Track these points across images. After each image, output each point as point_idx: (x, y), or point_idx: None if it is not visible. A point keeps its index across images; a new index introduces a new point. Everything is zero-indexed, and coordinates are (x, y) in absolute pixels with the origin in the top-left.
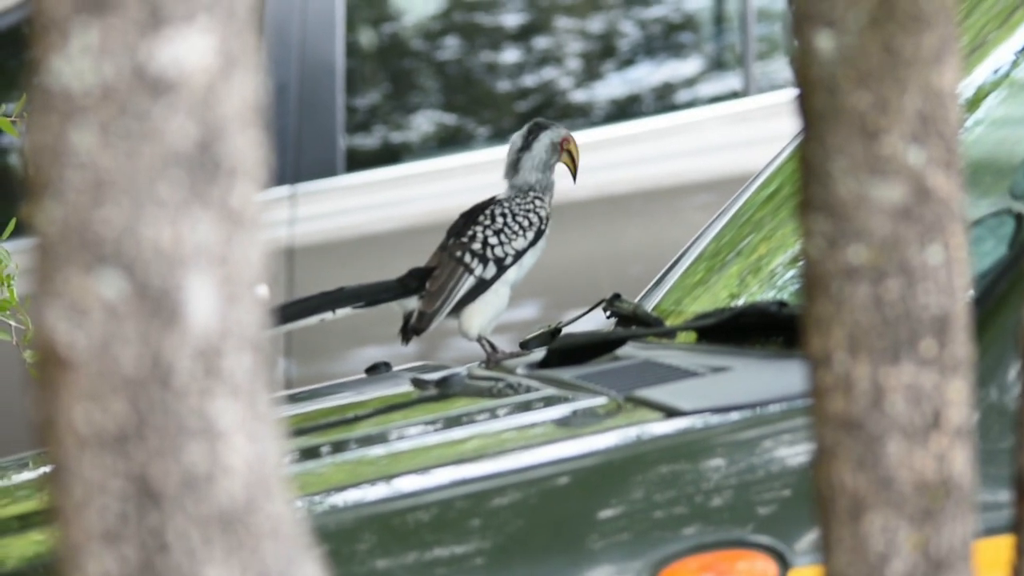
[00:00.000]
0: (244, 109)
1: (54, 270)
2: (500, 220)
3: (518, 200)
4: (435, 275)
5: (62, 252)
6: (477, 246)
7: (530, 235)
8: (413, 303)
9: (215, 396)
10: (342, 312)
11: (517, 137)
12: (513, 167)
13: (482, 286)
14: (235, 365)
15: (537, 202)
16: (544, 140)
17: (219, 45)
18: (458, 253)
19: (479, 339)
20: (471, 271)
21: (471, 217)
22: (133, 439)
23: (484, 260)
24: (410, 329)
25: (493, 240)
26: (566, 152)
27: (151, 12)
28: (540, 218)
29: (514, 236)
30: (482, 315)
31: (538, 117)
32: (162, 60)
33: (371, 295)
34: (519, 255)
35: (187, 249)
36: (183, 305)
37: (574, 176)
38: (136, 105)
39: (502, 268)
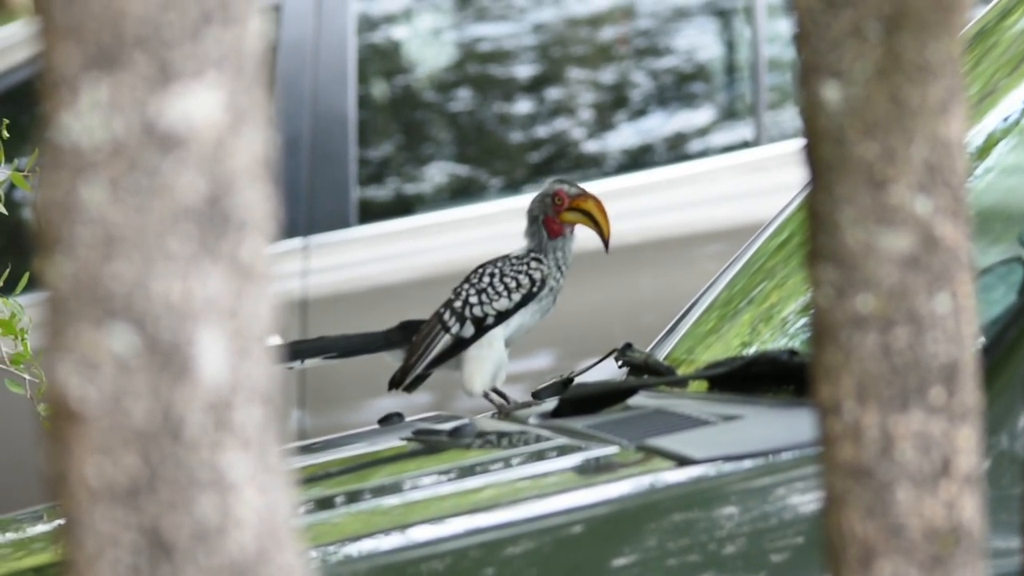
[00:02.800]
0: (253, 163)
1: (65, 325)
2: (486, 280)
3: (513, 261)
4: (420, 328)
5: (73, 307)
6: (458, 304)
7: (516, 297)
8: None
9: (226, 449)
10: (311, 362)
11: None
12: None
13: (460, 345)
14: (245, 418)
15: (532, 264)
16: (536, 194)
17: (228, 100)
18: (440, 309)
19: (485, 395)
20: (447, 329)
21: (471, 274)
22: (145, 492)
23: (462, 319)
24: (390, 381)
25: (473, 300)
26: (575, 211)
27: (160, 68)
28: (532, 280)
29: (496, 297)
30: (481, 373)
31: (558, 175)
32: (171, 116)
33: (347, 348)
34: (502, 316)
35: (197, 303)
36: (193, 359)
37: (602, 240)
38: (146, 160)
39: (481, 328)
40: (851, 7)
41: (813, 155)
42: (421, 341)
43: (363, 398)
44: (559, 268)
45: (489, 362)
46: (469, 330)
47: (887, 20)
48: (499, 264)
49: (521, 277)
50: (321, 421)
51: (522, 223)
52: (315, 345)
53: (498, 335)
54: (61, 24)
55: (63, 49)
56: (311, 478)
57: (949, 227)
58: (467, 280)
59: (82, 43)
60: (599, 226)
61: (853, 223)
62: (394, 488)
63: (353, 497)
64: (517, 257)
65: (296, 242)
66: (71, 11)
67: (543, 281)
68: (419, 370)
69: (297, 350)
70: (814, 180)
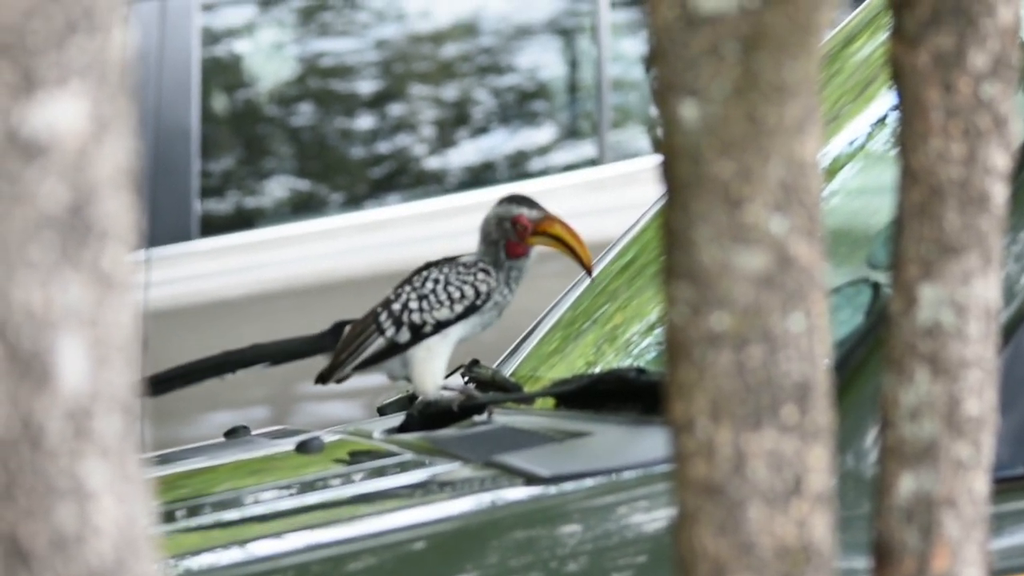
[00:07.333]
0: (116, 173)
1: None
2: (430, 286)
3: (460, 269)
4: (352, 325)
5: None
6: (396, 307)
7: (458, 308)
8: None
9: (85, 457)
10: (243, 372)
11: None
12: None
13: (394, 349)
14: (105, 426)
15: (479, 275)
16: (489, 213)
17: (91, 109)
18: (378, 309)
19: (441, 395)
20: (383, 332)
21: (412, 274)
22: (2, 499)
23: (399, 324)
24: (317, 376)
25: (414, 305)
26: (542, 235)
27: (24, 76)
28: (477, 292)
29: (438, 306)
30: (432, 374)
31: (513, 194)
32: (35, 124)
33: (280, 354)
34: (440, 326)
35: (58, 311)
36: (54, 367)
37: (583, 266)
38: (8, 168)
39: (418, 335)
40: (709, 26)
41: (669, 173)
42: (353, 339)
43: (204, 411)
44: (508, 284)
45: (436, 364)
46: (405, 336)
47: (745, 40)
48: (445, 270)
49: (466, 288)
50: (164, 434)
51: (364, 239)
52: (248, 355)
53: (437, 343)
54: None
55: None
56: (156, 491)
57: (804, 246)
58: (409, 282)
59: None
60: (574, 251)
61: (709, 241)
62: (237, 502)
63: (195, 511)
64: (465, 265)
65: (137, 254)
66: None
67: (488, 295)
68: (348, 370)
69: (229, 361)
70: (670, 198)
